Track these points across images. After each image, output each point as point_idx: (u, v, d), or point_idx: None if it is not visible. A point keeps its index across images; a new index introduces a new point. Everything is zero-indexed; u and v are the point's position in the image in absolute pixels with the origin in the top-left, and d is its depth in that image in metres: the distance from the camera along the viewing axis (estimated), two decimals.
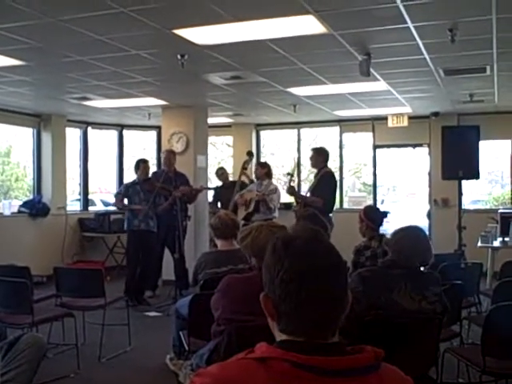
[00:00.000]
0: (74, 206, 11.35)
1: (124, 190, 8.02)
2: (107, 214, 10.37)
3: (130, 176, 11.67)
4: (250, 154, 9.35)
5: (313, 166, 7.41)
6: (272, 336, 1.37)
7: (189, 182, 8.30)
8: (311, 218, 4.49)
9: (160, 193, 7.91)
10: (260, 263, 3.12)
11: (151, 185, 7.85)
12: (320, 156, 7.25)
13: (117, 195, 8.16)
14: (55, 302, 5.58)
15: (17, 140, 11.83)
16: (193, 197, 8.24)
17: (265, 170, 8.51)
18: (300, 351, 1.24)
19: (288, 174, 7.65)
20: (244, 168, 9.07)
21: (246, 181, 9.25)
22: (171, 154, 8.36)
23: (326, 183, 7.10)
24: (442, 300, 3.23)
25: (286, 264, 1.32)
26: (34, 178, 10.27)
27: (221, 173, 9.71)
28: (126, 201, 7.98)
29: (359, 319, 2.87)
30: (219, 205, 9.26)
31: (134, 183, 7.96)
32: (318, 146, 8.13)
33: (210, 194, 9.66)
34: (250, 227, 3.31)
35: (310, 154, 7.41)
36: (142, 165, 7.98)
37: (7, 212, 9.54)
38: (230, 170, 11.07)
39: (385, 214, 4.89)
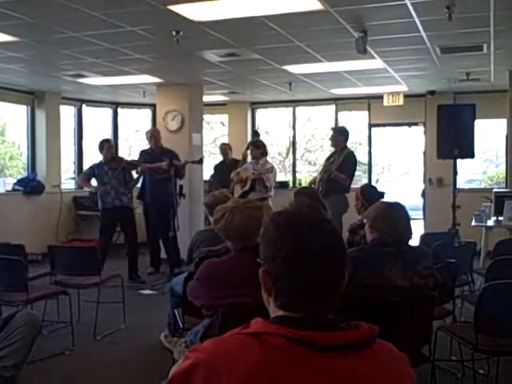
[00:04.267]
0: (68, 184, 11.31)
1: (89, 171, 8.11)
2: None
3: (124, 154, 11.68)
4: (256, 133, 9.19)
5: (333, 145, 7.70)
6: (266, 315, 1.37)
7: (177, 157, 8.13)
8: (310, 195, 4.46)
9: (127, 169, 8.03)
10: (236, 246, 3.05)
11: (117, 163, 7.94)
12: (341, 135, 7.58)
13: (82, 176, 8.33)
14: (50, 279, 5.60)
15: (11, 118, 11.76)
16: (179, 172, 8.03)
17: (260, 150, 8.48)
18: (295, 327, 1.24)
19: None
20: (248, 148, 8.98)
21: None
22: (156, 131, 8.40)
23: (352, 163, 7.48)
24: (434, 274, 3.24)
25: (289, 242, 1.32)
26: (28, 156, 10.22)
27: (223, 148, 9.76)
28: (94, 181, 8.06)
29: (352, 298, 2.88)
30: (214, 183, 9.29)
31: (100, 163, 8.02)
32: (338, 126, 8.27)
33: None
34: (223, 208, 3.11)
35: (331, 133, 7.74)
36: (105, 145, 8.05)
37: (1, 190, 9.52)
38: None
39: (381, 195, 4.88)
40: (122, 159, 8.17)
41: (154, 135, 8.22)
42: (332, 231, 1.37)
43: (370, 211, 3.51)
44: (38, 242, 8.35)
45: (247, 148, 8.95)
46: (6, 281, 4.90)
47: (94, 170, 7.97)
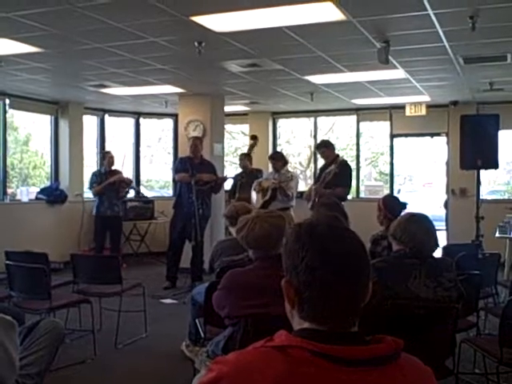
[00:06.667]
0: (91, 193, 11.38)
1: (95, 179, 9.11)
2: (124, 201, 10.41)
3: (146, 164, 11.76)
4: (254, 137, 9.27)
5: (326, 158, 7.70)
6: (289, 325, 1.36)
7: (215, 171, 8.34)
8: (332, 207, 4.46)
9: (120, 184, 9.12)
10: (257, 255, 3.09)
11: (113, 175, 9.02)
12: (331, 149, 7.69)
13: (95, 185, 9.10)
14: (72, 288, 5.64)
15: (35, 127, 11.91)
16: (217, 186, 8.36)
17: (281, 162, 8.48)
18: (320, 340, 1.23)
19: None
20: (248, 154, 9.26)
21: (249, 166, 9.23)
22: (197, 140, 8.42)
23: (348, 173, 7.49)
24: (457, 286, 3.20)
25: (311, 251, 1.31)
26: (51, 165, 10.34)
27: (240, 159, 9.77)
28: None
29: (376, 309, 2.86)
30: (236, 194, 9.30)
31: (100, 172, 9.11)
32: (322, 140, 8.34)
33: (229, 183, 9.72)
34: (246, 218, 3.20)
35: (322, 149, 7.73)
36: (107, 155, 9.11)
37: (25, 198, 9.63)
38: None
39: (404, 206, 4.85)
40: (116, 173, 9.14)
41: (194, 143, 8.27)
42: (353, 240, 1.36)
43: (393, 222, 3.50)
44: (60, 251, 8.43)
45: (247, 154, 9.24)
46: (30, 289, 4.96)
47: (97, 178, 8.98)
